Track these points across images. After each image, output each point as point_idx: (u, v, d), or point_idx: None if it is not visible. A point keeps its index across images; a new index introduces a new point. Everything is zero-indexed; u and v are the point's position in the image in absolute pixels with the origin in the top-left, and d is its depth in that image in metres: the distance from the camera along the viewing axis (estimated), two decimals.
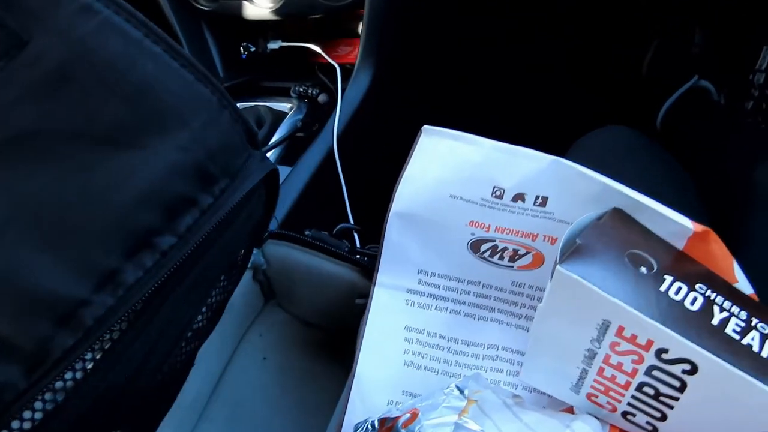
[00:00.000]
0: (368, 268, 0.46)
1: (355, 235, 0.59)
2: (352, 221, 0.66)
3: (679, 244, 0.31)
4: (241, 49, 0.80)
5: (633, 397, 0.28)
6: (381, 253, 0.38)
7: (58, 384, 0.25)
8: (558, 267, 0.27)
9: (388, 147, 0.82)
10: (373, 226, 0.57)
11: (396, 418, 0.30)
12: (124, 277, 0.27)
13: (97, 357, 0.27)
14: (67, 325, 0.25)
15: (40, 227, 0.24)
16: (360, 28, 0.72)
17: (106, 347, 0.27)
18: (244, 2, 0.74)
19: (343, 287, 0.46)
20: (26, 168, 0.24)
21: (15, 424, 0.24)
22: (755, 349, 0.26)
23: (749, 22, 1.04)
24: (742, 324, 0.27)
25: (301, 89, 0.75)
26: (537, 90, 1.18)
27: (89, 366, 0.27)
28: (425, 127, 0.36)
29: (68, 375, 0.26)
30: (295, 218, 0.63)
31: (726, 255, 0.30)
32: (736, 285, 0.30)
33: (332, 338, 0.52)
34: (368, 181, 0.74)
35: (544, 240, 0.35)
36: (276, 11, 0.73)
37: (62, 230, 0.25)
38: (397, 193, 0.37)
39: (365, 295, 0.45)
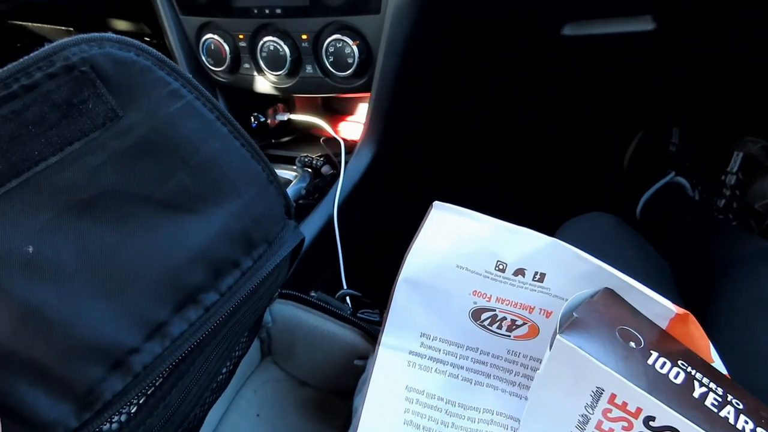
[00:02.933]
0: (369, 331, 0.49)
1: (347, 299, 0.61)
2: (345, 285, 0.69)
3: (662, 324, 0.34)
4: (252, 118, 0.85)
5: None
6: (387, 316, 0.41)
7: (105, 427, 0.27)
8: (558, 337, 0.31)
9: (384, 219, 0.86)
10: (365, 292, 0.60)
11: None
12: (171, 328, 0.29)
13: (141, 402, 0.29)
14: (118, 370, 0.27)
15: (103, 278, 0.27)
16: (364, 106, 0.77)
17: (149, 392, 0.29)
18: (259, 77, 0.79)
19: (344, 348, 0.49)
20: (100, 224, 0.27)
21: None
22: (731, 421, 0.29)
23: (722, 126, 1.13)
24: (720, 399, 0.30)
25: (306, 159, 0.79)
26: (529, 173, 1.25)
27: (133, 410, 0.28)
28: (436, 202, 0.40)
29: (114, 417, 0.27)
30: (293, 280, 0.65)
31: (703, 336, 0.34)
32: (713, 364, 0.33)
33: (325, 399, 0.53)
34: (363, 250, 0.77)
35: (540, 313, 0.39)
36: (288, 88, 0.78)
37: (122, 283, 0.27)
38: (406, 261, 0.40)
39: (364, 357, 0.47)
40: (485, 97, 1.12)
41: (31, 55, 0.24)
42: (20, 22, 0.88)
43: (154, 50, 0.29)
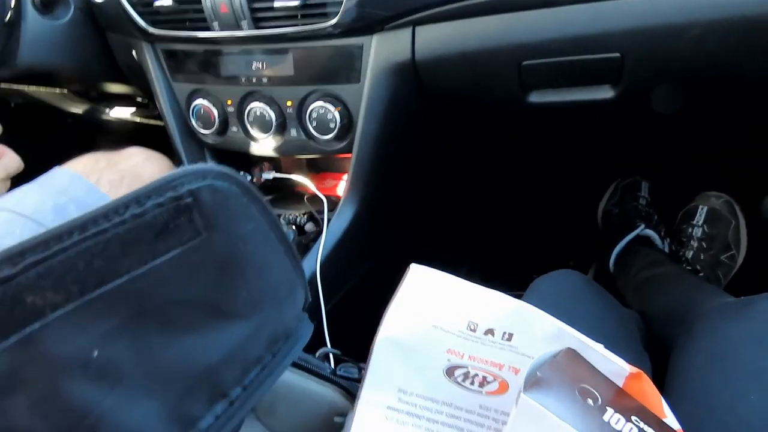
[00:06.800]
0: (348, 389, 0.51)
1: (330, 356, 0.63)
2: (328, 342, 0.71)
3: (619, 382, 0.37)
4: None
5: None
6: (366, 372, 0.43)
7: None
8: (522, 395, 0.33)
9: (366, 275, 0.89)
10: (346, 346, 0.62)
11: None
12: (201, 423, 0.31)
13: None
14: None
15: (152, 378, 0.28)
16: (347, 166, 0.82)
17: None
18: (246, 140, 0.83)
19: (324, 406, 0.50)
20: (157, 327, 0.28)
21: None
22: None
23: (688, 181, 1.19)
24: None
25: (290, 217, 0.83)
26: (509, 230, 1.29)
27: None
28: (413, 265, 0.43)
29: None
30: None
31: (655, 393, 0.37)
32: (665, 419, 0.36)
33: None
34: (345, 306, 0.80)
35: (509, 370, 0.41)
36: (274, 149, 0.82)
37: (167, 381, 0.29)
38: (384, 320, 0.43)
39: (343, 414, 0.49)
40: (465, 157, 1.17)
41: (145, 187, 0.27)
42: (16, 86, 0.91)
43: (244, 179, 0.31)
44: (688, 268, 1.10)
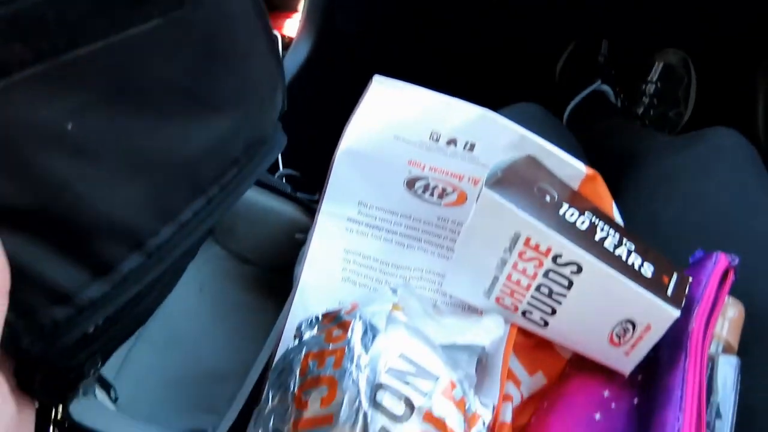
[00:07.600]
0: (309, 207, 0.51)
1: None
2: (281, 167, 0.71)
3: (575, 185, 0.39)
4: None
5: (532, 296, 0.35)
6: (327, 185, 0.43)
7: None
8: (483, 189, 0.34)
9: (321, 111, 0.87)
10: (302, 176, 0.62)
11: (338, 310, 0.35)
12: (182, 216, 0.31)
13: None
14: (138, 250, 0.29)
15: (134, 162, 0.27)
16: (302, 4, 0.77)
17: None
18: None
19: (286, 223, 0.51)
20: (139, 109, 0.27)
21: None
22: (623, 258, 0.34)
23: (646, 38, 1.19)
24: (616, 242, 0.35)
25: None
26: (464, 77, 1.27)
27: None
28: (376, 76, 0.42)
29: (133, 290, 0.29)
30: None
31: (608, 195, 0.39)
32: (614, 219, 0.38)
33: (266, 276, 0.56)
34: (301, 138, 0.78)
35: (468, 181, 0.42)
36: None
37: (147, 168, 0.28)
38: (346, 132, 0.42)
39: (305, 231, 0.50)
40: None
41: None
42: None
43: None
44: (637, 122, 1.13)
